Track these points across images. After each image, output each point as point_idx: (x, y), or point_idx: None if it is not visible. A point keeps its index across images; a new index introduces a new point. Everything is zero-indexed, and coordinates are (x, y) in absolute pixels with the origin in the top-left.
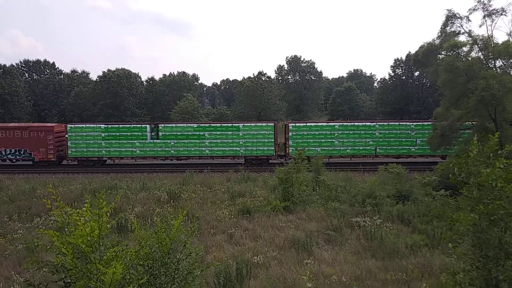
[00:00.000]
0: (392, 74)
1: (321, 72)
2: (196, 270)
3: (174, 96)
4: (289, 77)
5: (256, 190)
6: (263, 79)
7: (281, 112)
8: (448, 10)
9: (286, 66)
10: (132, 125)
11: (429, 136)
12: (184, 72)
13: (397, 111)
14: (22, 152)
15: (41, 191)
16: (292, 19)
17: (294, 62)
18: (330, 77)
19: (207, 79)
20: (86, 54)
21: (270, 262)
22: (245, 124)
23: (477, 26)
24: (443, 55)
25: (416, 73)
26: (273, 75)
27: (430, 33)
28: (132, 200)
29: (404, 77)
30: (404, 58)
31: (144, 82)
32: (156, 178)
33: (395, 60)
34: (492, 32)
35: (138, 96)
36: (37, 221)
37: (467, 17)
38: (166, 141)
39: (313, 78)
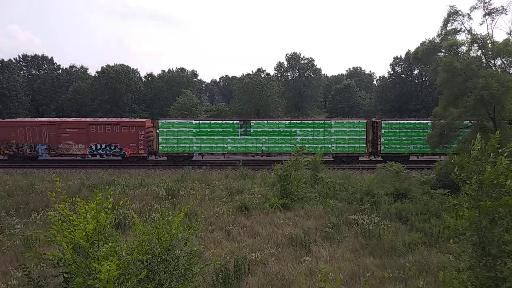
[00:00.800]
0: (392, 72)
1: (320, 69)
2: (195, 267)
3: (173, 92)
4: (289, 74)
5: (254, 187)
6: (262, 76)
7: (280, 109)
8: (450, 6)
9: (285, 63)
10: (224, 121)
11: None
12: (183, 68)
13: (396, 109)
14: (113, 147)
15: (39, 186)
16: (291, 16)
17: (294, 59)
18: (329, 75)
19: (206, 76)
20: (84, 49)
21: (268, 259)
22: (337, 121)
23: (477, 24)
24: (442, 53)
25: (416, 71)
26: (272, 72)
27: (429, 32)
28: (130, 196)
29: (403, 75)
30: (403, 56)
31: (143, 78)
32: (154, 174)
33: (394, 58)
34: (492, 30)
35: (137, 92)
36: (34, 217)
37: (469, 15)
38: (257, 137)
39: (312, 75)
